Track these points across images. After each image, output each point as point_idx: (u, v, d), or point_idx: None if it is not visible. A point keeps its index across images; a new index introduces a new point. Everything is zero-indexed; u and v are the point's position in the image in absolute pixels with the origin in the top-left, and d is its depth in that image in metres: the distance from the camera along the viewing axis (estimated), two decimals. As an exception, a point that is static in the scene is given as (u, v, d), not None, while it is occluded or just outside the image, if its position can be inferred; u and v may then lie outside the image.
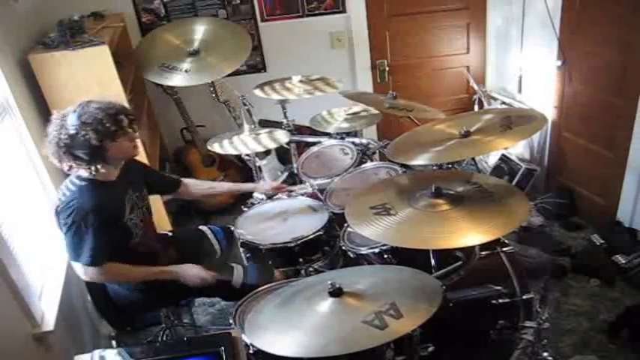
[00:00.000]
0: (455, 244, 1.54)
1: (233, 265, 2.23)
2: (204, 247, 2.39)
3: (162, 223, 2.80)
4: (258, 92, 2.95)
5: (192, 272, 2.06)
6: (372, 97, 3.08)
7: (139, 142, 2.05)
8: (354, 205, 1.80)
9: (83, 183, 1.90)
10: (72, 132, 1.80)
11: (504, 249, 2.08)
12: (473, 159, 2.83)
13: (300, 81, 2.96)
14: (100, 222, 1.85)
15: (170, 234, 2.48)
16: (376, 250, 2.08)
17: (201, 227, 2.48)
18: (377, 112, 2.85)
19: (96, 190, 1.90)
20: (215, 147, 2.61)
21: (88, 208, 1.85)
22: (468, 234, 1.54)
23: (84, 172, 1.89)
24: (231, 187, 2.79)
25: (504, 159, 3.62)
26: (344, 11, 3.69)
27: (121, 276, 2.01)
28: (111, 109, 1.87)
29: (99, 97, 1.90)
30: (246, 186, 2.71)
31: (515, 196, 1.70)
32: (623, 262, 2.77)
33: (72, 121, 1.81)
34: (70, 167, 1.88)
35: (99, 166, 1.87)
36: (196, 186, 2.44)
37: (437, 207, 1.65)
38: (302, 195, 2.59)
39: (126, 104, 2.17)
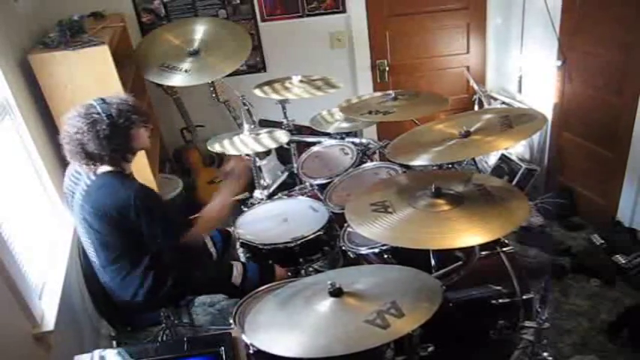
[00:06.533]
0: (455, 244, 1.53)
1: (232, 262, 2.22)
2: (200, 249, 2.39)
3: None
4: (258, 92, 2.95)
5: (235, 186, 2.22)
6: (369, 103, 2.76)
7: None
8: (354, 203, 1.80)
9: (115, 174, 1.89)
10: (110, 122, 1.80)
11: (504, 249, 2.08)
12: (473, 159, 2.83)
13: (300, 81, 2.96)
14: (160, 197, 1.94)
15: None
16: (376, 250, 2.08)
17: None
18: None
19: (129, 177, 1.94)
20: (215, 147, 2.61)
21: (145, 189, 1.88)
22: (468, 234, 1.54)
23: (107, 167, 1.88)
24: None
25: (504, 159, 3.62)
26: (344, 11, 3.69)
27: (209, 220, 2.11)
28: (129, 99, 1.92)
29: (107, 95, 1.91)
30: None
31: (516, 196, 1.70)
32: (623, 262, 2.77)
33: (107, 112, 1.81)
34: (95, 160, 1.84)
35: (130, 156, 1.92)
36: None
37: (437, 207, 1.64)
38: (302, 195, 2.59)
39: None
